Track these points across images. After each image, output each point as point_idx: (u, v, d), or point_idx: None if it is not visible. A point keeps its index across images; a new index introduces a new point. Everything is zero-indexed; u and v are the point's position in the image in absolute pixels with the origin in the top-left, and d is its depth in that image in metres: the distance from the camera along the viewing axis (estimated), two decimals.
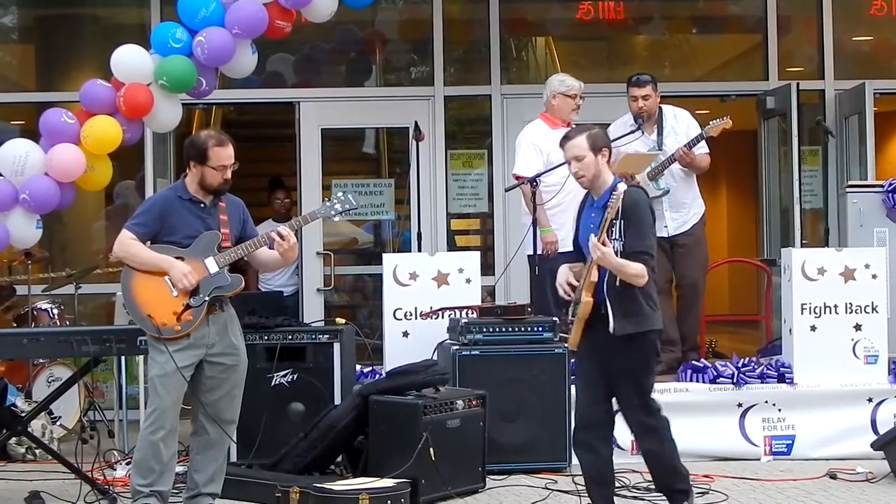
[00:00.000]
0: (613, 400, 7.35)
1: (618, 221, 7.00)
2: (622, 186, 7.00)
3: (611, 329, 7.05)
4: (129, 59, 9.63)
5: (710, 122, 10.11)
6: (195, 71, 9.58)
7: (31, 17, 13.81)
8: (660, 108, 10.32)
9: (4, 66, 13.51)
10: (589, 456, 7.33)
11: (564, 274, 7.31)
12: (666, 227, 10.19)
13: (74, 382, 9.13)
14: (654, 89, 10.21)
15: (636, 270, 7.03)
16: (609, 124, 10.42)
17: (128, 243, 7.57)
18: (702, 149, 10.23)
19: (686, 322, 10.39)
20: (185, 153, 7.79)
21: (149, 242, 7.59)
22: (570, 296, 7.24)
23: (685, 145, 10.05)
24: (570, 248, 9.64)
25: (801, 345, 9.77)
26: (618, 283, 7.03)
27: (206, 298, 7.55)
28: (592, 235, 7.00)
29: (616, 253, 6.98)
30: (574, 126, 7.87)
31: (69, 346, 8.26)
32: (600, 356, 7.21)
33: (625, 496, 8.44)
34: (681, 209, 10.30)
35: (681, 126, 10.29)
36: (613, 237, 6.99)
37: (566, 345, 7.84)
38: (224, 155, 7.68)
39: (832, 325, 9.76)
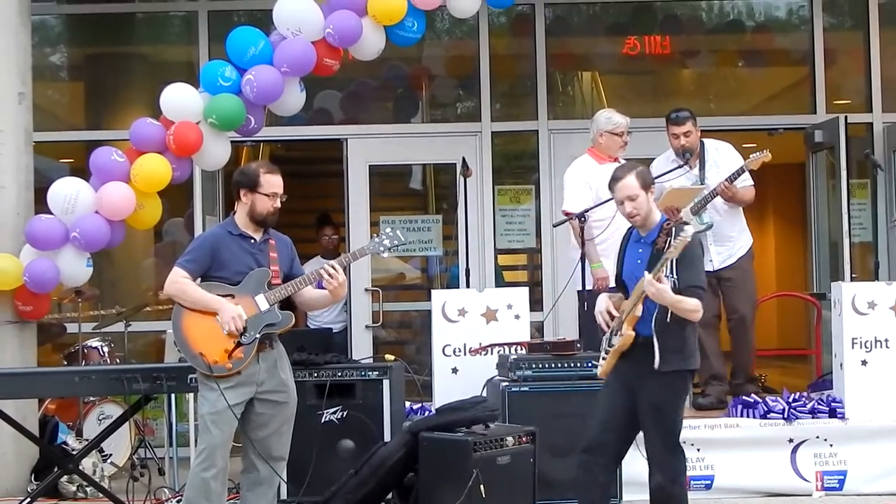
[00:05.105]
0: (629, 437, 7.39)
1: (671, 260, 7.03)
2: (689, 229, 6.96)
3: (655, 364, 7.05)
4: (179, 98, 9.71)
5: (751, 156, 10.05)
6: (244, 109, 9.64)
7: (81, 56, 13.91)
8: (701, 143, 10.25)
9: (54, 105, 13.61)
10: (588, 478, 7.34)
11: (604, 303, 7.37)
12: (711, 261, 10.10)
13: (125, 420, 9.16)
14: (693, 125, 10.15)
15: (692, 305, 7.07)
16: (654, 159, 10.41)
17: (179, 282, 7.62)
18: (745, 181, 10.14)
19: (740, 355, 10.34)
20: (234, 184, 7.84)
21: (199, 279, 7.64)
22: (608, 325, 7.28)
23: (726, 179, 9.98)
24: None
25: (852, 379, 9.69)
26: (669, 319, 7.05)
27: (257, 336, 7.58)
28: (647, 272, 7.00)
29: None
30: (620, 165, 7.83)
31: (120, 383, 8.31)
32: (632, 389, 7.22)
33: None
34: (726, 242, 10.24)
35: (723, 159, 10.22)
36: (665, 274, 7.01)
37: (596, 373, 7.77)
38: (275, 182, 7.75)
39: (883, 359, 9.68)
